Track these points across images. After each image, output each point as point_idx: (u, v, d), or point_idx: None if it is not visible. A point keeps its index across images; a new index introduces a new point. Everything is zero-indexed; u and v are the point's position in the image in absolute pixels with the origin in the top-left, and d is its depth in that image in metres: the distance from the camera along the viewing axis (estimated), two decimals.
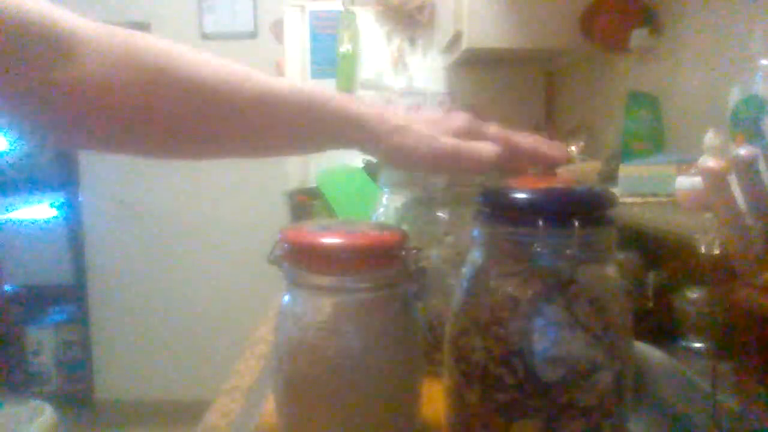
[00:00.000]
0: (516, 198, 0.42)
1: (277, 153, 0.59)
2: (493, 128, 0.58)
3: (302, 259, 0.45)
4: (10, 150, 2.61)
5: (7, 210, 2.66)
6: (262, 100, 0.50)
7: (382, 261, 0.45)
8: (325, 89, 0.54)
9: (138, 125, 0.47)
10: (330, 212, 1.34)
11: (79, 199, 2.62)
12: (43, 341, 2.65)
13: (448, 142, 0.53)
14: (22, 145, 2.60)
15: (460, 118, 0.56)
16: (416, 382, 0.48)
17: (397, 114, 0.55)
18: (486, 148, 0.53)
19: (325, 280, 0.44)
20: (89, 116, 0.45)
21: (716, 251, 0.41)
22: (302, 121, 0.52)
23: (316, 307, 0.45)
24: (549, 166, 0.58)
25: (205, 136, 0.51)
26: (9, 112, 0.44)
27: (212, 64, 0.49)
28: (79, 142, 0.50)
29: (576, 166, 1.31)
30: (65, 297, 2.70)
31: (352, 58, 1.80)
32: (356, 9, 1.82)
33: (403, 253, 0.46)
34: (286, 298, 0.47)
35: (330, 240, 0.44)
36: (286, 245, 0.46)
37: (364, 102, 0.56)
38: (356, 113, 0.53)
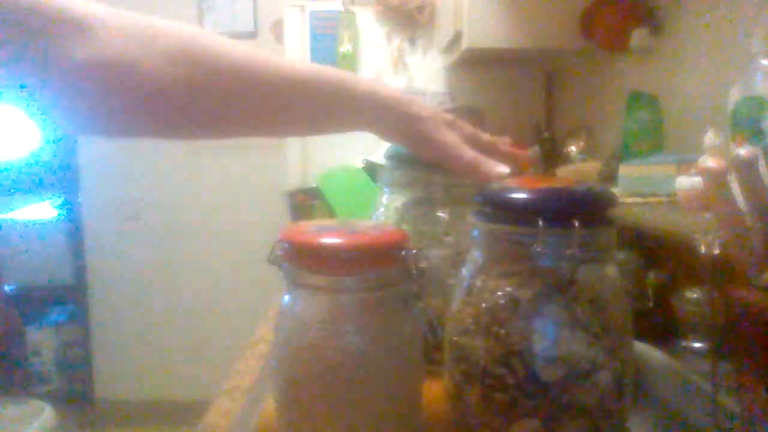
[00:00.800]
0: (516, 198, 0.42)
1: (304, 133, 0.61)
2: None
3: (302, 259, 0.45)
4: (10, 150, 2.61)
5: (7, 210, 2.66)
6: (286, 81, 0.51)
7: (382, 261, 0.45)
8: (354, 74, 0.56)
9: (161, 105, 0.46)
10: (330, 212, 1.34)
11: (79, 199, 2.62)
12: (43, 341, 2.64)
13: (470, 153, 0.56)
14: (29, 143, 2.60)
15: (469, 127, 0.59)
16: (416, 382, 0.48)
17: (423, 104, 0.58)
18: (499, 168, 0.56)
19: (325, 280, 0.44)
20: (112, 97, 0.44)
21: (716, 251, 0.41)
22: (329, 103, 0.54)
23: (316, 307, 0.45)
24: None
25: (228, 115, 0.51)
26: (35, 99, 0.43)
27: (236, 45, 0.49)
28: (101, 127, 0.49)
29: (576, 166, 1.31)
30: (65, 297, 2.70)
31: (352, 58, 1.80)
32: (356, 9, 1.82)
33: (403, 253, 0.46)
34: (286, 298, 0.47)
35: (330, 240, 0.44)
36: (286, 245, 0.46)
37: (393, 87, 0.57)
38: (388, 96, 0.55)
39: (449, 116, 0.59)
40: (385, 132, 0.58)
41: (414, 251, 0.47)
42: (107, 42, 0.42)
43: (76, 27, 0.41)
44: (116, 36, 0.43)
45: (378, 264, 0.44)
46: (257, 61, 0.50)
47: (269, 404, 0.53)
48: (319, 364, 0.44)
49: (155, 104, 0.46)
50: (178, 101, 0.47)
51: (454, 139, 0.56)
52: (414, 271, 0.46)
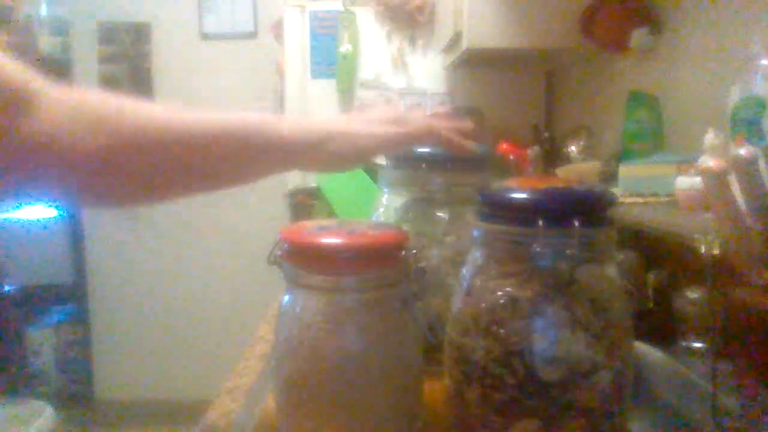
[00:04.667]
0: (516, 198, 0.42)
1: (239, 183, 0.57)
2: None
3: (302, 259, 0.45)
4: None
5: (7, 210, 2.65)
6: (209, 137, 0.50)
7: (382, 261, 0.45)
8: (263, 116, 0.53)
9: (88, 177, 0.46)
10: (330, 212, 1.34)
11: None
12: (43, 341, 2.64)
13: (388, 130, 0.53)
14: None
15: (387, 109, 0.57)
16: (416, 382, 0.48)
17: (325, 120, 0.55)
18: (418, 117, 0.54)
19: (325, 280, 0.44)
20: (56, 170, 0.45)
21: (716, 251, 0.41)
22: (256, 150, 0.52)
23: (316, 307, 0.45)
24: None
25: (160, 178, 0.50)
26: None
27: (160, 109, 0.49)
28: (47, 197, 0.50)
29: (576, 166, 1.31)
30: (65, 297, 2.70)
31: (352, 58, 1.80)
32: (356, 9, 1.82)
33: (403, 253, 0.46)
34: (286, 298, 0.47)
35: (330, 240, 0.44)
36: (286, 245, 0.46)
37: (291, 118, 0.55)
38: (280, 136, 0.52)
39: (365, 114, 0.56)
40: (298, 169, 0.55)
41: (414, 251, 0.47)
42: (50, 115, 0.43)
43: (19, 95, 0.42)
44: (58, 109, 0.44)
45: (378, 264, 0.44)
46: (178, 121, 0.49)
47: (269, 404, 0.53)
48: (319, 364, 0.44)
49: (83, 176, 0.46)
50: (103, 171, 0.46)
51: (357, 136, 0.53)
52: (414, 271, 0.46)
